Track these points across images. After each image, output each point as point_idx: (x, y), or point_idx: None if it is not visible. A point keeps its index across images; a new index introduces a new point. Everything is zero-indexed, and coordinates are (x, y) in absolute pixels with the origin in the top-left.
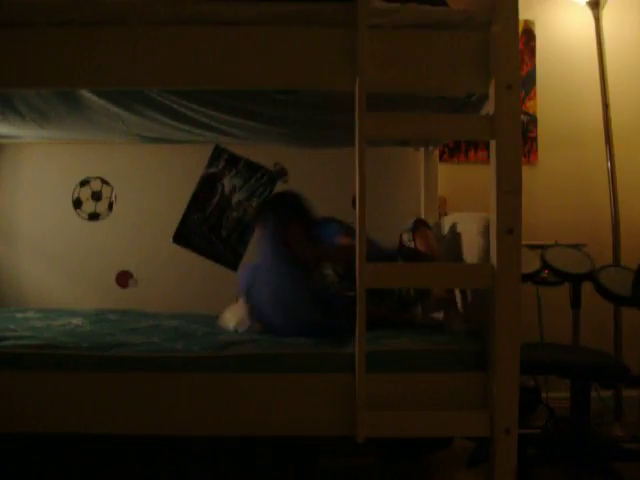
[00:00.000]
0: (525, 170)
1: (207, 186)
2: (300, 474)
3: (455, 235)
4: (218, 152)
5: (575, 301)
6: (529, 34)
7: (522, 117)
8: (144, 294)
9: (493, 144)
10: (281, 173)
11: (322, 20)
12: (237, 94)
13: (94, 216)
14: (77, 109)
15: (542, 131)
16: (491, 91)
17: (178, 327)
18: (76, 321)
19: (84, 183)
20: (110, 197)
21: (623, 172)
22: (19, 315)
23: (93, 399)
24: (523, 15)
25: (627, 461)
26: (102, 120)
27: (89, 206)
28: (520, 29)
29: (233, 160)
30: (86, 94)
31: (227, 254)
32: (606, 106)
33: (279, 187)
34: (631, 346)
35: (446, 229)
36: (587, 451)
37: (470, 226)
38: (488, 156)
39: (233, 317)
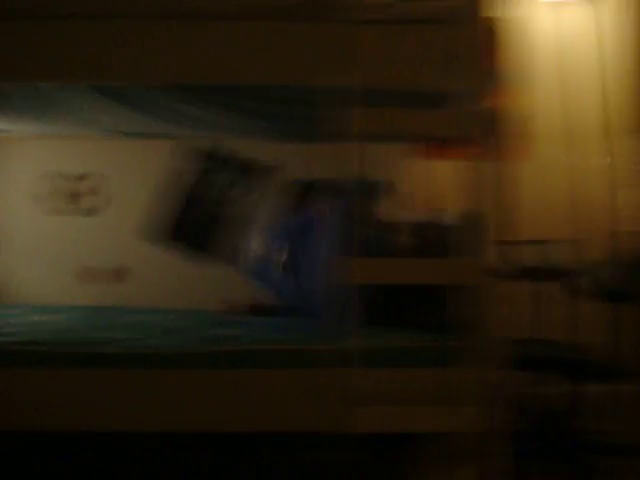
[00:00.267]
0: (519, 166)
1: (203, 182)
2: (285, 469)
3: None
4: (214, 148)
5: (569, 297)
6: (524, 30)
7: (517, 113)
8: (132, 290)
9: (486, 140)
10: (277, 168)
11: (318, 16)
12: (232, 91)
13: (91, 211)
14: (59, 104)
15: (537, 127)
16: (485, 86)
17: (166, 323)
18: (66, 316)
19: (82, 178)
20: (108, 192)
21: (621, 168)
22: (2, 312)
23: (78, 396)
24: (517, 10)
25: (619, 456)
26: (86, 115)
27: (86, 201)
28: (514, 26)
29: (229, 156)
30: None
31: (219, 249)
32: (604, 102)
33: (274, 182)
34: (627, 342)
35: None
36: (579, 447)
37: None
38: (471, 152)
39: None
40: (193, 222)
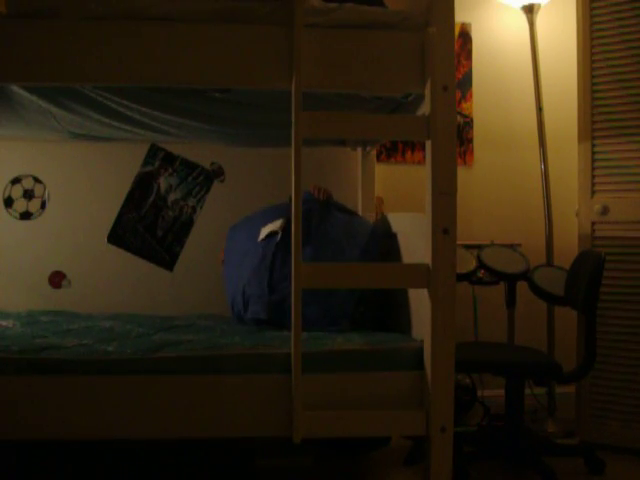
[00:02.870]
0: (461, 171)
1: (143, 185)
2: (236, 475)
3: (390, 235)
4: (154, 150)
5: (510, 300)
6: (466, 37)
7: (458, 118)
8: (78, 294)
9: (429, 145)
10: (218, 172)
11: (258, 18)
12: (171, 91)
13: (26, 215)
14: (8, 106)
15: (478, 133)
16: (427, 92)
17: (112, 328)
18: (6, 323)
19: (15, 181)
20: (43, 195)
21: (556, 174)
22: None
23: (23, 403)
24: (460, 18)
25: (559, 456)
26: (33, 117)
27: (21, 205)
28: (457, 31)
29: (169, 159)
30: (17, 90)
31: (163, 254)
32: (540, 109)
33: (215, 186)
34: (563, 344)
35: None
36: (521, 447)
37: (408, 227)
38: (425, 157)
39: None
40: (131, 225)
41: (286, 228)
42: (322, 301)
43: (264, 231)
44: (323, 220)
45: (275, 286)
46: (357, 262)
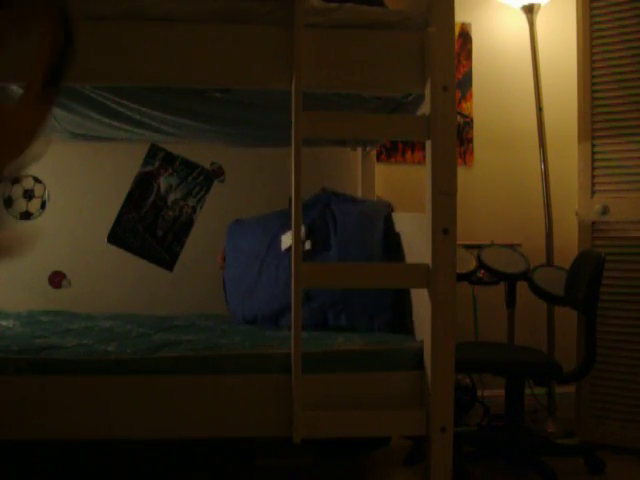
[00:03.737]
0: (461, 171)
1: (142, 185)
2: (237, 475)
3: (394, 235)
4: (154, 150)
5: (510, 300)
6: (466, 37)
7: (458, 118)
8: (78, 294)
9: (428, 145)
10: (218, 172)
11: (258, 18)
12: (171, 91)
13: (26, 215)
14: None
15: (478, 133)
16: (427, 92)
17: (112, 328)
18: (6, 323)
19: (15, 181)
20: (43, 195)
21: (556, 174)
22: None
23: (23, 403)
24: (460, 18)
25: (559, 456)
26: None
27: (21, 205)
28: (457, 31)
29: (169, 159)
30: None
31: (163, 254)
32: (540, 109)
33: (215, 186)
34: (563, 344)
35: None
36: (521, 447)
37: (408, 227)
38: (425, 157)
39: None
40: (131, 225)
41: (309, 236)
42: (362, 299)
43: (286, 240)
44: (338, 214)
45: (312, 294)
46: (357, 262)
